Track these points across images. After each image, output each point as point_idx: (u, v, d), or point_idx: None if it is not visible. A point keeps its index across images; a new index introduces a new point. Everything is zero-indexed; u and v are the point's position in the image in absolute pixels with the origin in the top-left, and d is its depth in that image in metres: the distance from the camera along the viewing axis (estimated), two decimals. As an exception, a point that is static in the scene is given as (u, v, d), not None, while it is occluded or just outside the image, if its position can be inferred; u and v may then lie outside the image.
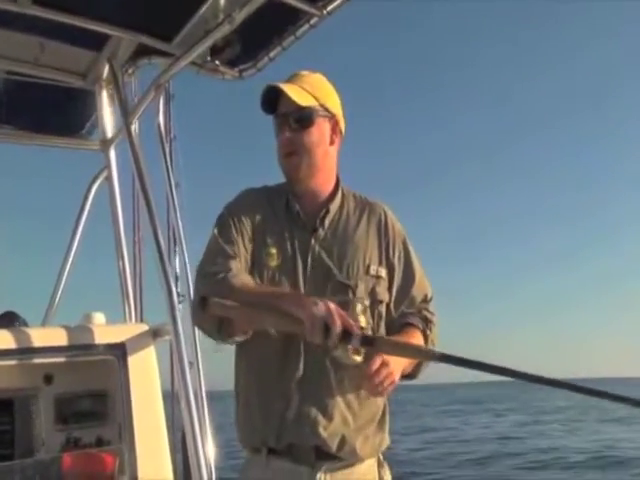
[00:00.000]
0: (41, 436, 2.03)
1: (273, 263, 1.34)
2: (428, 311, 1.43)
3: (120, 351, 2.04)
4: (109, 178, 2.70)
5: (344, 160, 1.55)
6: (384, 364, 1.17)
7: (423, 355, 1.20)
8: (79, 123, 2.89)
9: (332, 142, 1.44)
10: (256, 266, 1.35)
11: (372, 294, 1.36)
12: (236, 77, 2.34)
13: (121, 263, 2.64)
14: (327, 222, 1.41)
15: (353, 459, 1.31)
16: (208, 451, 1.95)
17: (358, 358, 1.14)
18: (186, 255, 2.45)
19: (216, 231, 1.38)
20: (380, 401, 1.37)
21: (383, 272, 1.39)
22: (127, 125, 2.17)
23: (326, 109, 1.41)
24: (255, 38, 2.13)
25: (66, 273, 2.79)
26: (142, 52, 2.33)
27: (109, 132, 2.71)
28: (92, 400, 2.12)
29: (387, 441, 1.39)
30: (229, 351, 1.40)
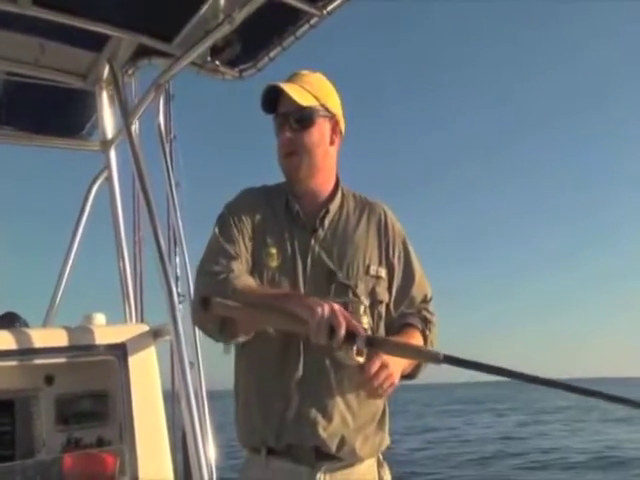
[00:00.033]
0: (42, 437, 2.03)
1: (273, 263, 1.34)
2: (428, 311, 1.43)
3: (121, 351, 2.04)
4: (109, 179, 2.70)
5: (344, 160, 1.55)
6: (383, 366, 1.17)
7: (426, 357, 1.20)
8: (79, 124, 2.89)
9: (332, 142, 1.44)
10: (256, 266, 1.35)
11: (372, 294, 1.36)
12: (236, 77, 2.34)
13: (121, 263, 2.64)
14: (327, 222, 1.41)
15: (353, 459, 1.31)
16: (209, 451, 1.95)
17: (361, 359, 1.14)
18: (186, 255, 2.45)
19: (217, 230, 1.38)
20: (380, 401, 1.37)
21: (383, 272, 1.39)
22: (127, 126, 2.17)
23: (326, 109, 1.41)
24: (255, 38, 2.13)
25: (66, 274, 2.79)
26: (142, 53, 2.33)
27: (109, 133, 2.71)
28: (93, 400, 2.12)
29: (387, 441, 1.39)
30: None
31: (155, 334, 2.15)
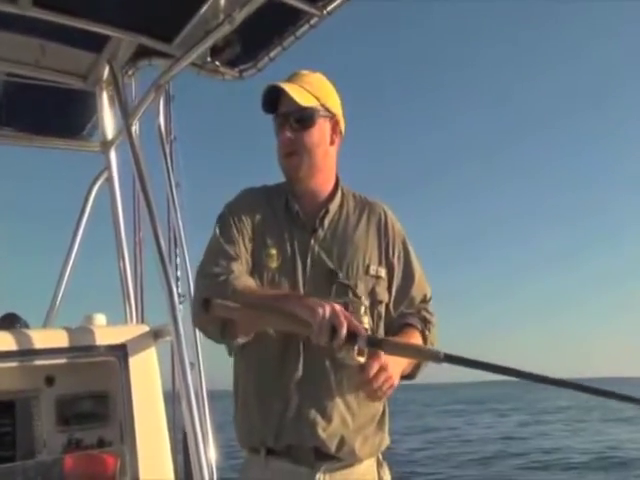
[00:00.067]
0: (42, 437, 2.03)
1: (273, 264, 1.34)
2: (427, 311, 1.43)
3: (121, 352, 2.04)
4: (110, 179, 2.70)
5: (344, 160, 1.55)
6: (382, 369, 1.16)
7: (427, 356, 1.20)
8: (79, 125, 2.89)
9: (332, 142, 1.44)
10: (256, 267, 1.35)
11: (372, 294, 1.35)
12: (236, 77, 2.33)
13: (122, 264, 2.64)
14: (326, 222, 1.41)
15: (352, 459, 1.31)
16: (210, 453, 1.95)
17: (362, 359, 1.14)
18: (187, 255, 2.44)
19: (217, 231, 1.38)
20: (380, 402, 1.36)
21: (383, 272, 1.39)
22: (127, 126, 2.17)
23: (327, 109, 1.41)
24: (255, 38, 2.13)
25: (67, 274, 2.79)
26: (142, 53, 2.33)
27: (109, 133, 2.71)
28: (93, 401, 2.12)
29: (387, 441, 1.39)
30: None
31: (156, 335, 2.15)
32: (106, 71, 2.48)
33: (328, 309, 1.09)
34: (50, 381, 2.09)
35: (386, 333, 1.37)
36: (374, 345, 1.12)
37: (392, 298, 1.40)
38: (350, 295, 1.31)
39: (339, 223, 1.42)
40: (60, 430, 2.08)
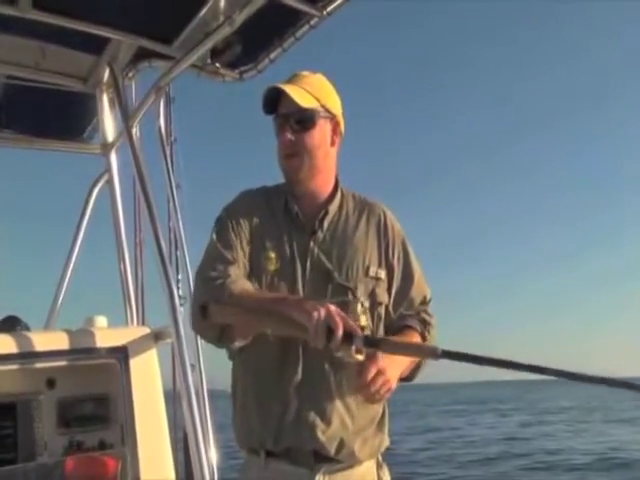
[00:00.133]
0: (44, 440, 2.03)
1: (272, 267, 1.34)
2: (427, 313, 1.42)
3: (122, 354, 2.04)
4: (110, 181, 2.70)
5: (344, 160, 1.55)
6: (380, 372, 1.16)
7: (424, 353, 1.19)
8: (80, 127, 2.90)
9: (333, 143, 1.43)
10: (255, 270, 1.34)
11: (372, 296, 1.35)
12: (237, 79, 2.34)
13: (122, 266, 2.64)
14: (326, 224, 1.40)
15: (352, 461, 1.31)
16: (210, 453, 1.94)
17: (360, 357, 1.14)
18: (187, 257, 2.44)
19: (215, 236, 1.38)
20: (378, 404, 1.36)
21: (382, 274, 1.38)
22: (128, 128, 2.17)
23: (327, 110, 1.40)
24: (255, 39, 2.13)
25: (68, 277, 2.79)
26: (142, 55, 2.34)
27: (110, 136, 2.71)
28: (94, 403, 2.12)
29: (386, 442, 1.38)
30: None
31: (156, 336, 2.15)
32: (106, 73, 2.49)
33: (323, 311, 1.08)
34: (51, 383, 2.09)
35: (386, 335, 1.36)
36: (371, 344, 1.12)
37: (391, 299, 1.40)
38: (349, 295, 1.31)
39: (338, 224, 1.41)
40: (61, 432, 2.08)
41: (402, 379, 1.31)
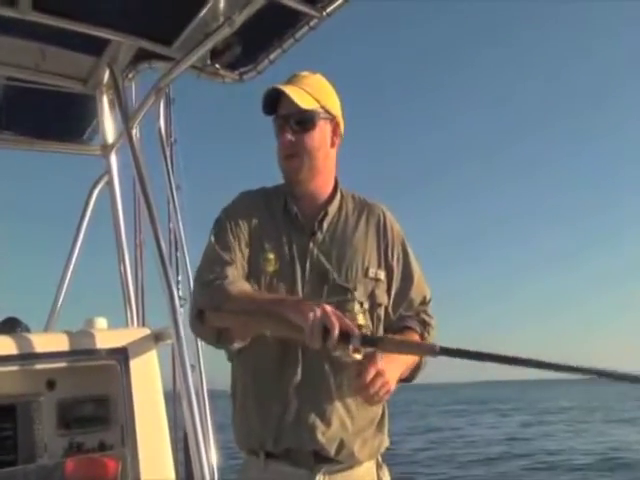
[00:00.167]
0: (44, 441, 2.03)
1: (271, 268, 1.33)
2: (426, 314, 1.42)
3: (122, 356, 2.04)
4: (110, 183, 2.70)
5: (343, 160, 1.55)
6: (379, 374, 1.16)
7: (423, 350, 1.19)
8: (80, 128, 2.90)
9: (333, 144, 1.43)
10: (253, 271, 1.34)
11: (371, 297, 1.35)
12: (236, 80, 2.34)
13: (122, 267, 2.65)
14: (325, 225, 1.40)
15: (352, 462, 1.31)
16: (210, 454, 1.94)
17: (358, 356, 1.14)
18: (187, 258, 2.44)
19: (213, 238, 1.38)
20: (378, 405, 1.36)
21: (382, 275, 1.38)
22: (128, 130, 2.17)
23: (327, 111, 1.40)
24: (255, 40, 2.13)
25: (68, 278, 2.79)
26: (142, 56, 2.34)
27: (110, 137, 2.71)
28: (94, 405, 2.12)
29: (386, 443, 1.38)
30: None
31: (156, 338, 2.15)
32: (106, 75, 2.49)
33: (319, 311, 1.08)
34: (51, 385, 2.09)
35: (385, 335, 1.36)
36: (369, 343, 1.12)
37: (391, 300, 1.39)
38: (348, 295, 1.31)
39: (338, 225, 1.41)
40: (61, 434, 2.08)
41: (402, 380, 1.31)
